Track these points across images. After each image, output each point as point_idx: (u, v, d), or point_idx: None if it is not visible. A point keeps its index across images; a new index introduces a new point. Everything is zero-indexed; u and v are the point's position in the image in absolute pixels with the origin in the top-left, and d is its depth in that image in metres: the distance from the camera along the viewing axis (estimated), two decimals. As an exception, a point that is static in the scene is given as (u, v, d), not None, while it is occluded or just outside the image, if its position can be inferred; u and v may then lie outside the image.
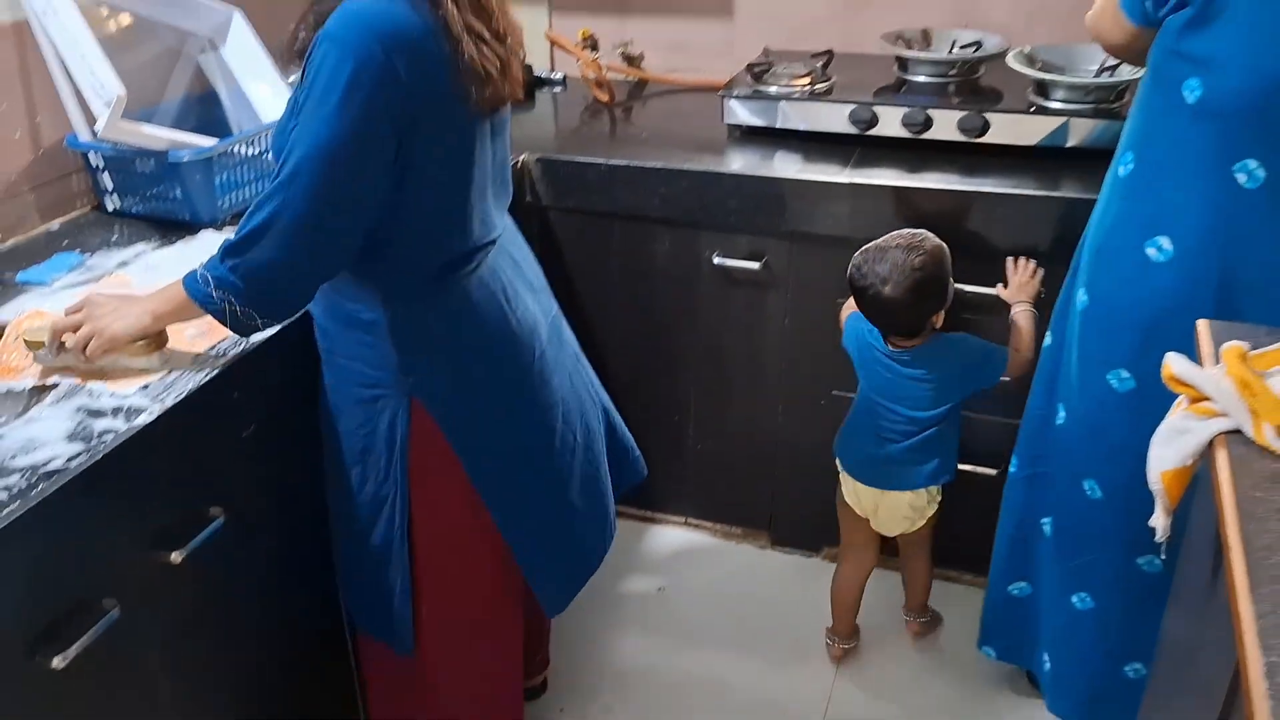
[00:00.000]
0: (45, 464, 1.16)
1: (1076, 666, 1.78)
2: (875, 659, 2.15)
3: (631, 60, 2.63)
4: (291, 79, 2.08)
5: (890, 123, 2.06)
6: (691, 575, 2.38)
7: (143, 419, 1.25)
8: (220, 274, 1.29)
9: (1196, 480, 1.18)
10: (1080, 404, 1.63)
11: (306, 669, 1.70)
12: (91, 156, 1.82)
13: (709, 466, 2.40)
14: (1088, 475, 1.65)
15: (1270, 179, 1.37)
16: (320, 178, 1.24)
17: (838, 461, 2.01)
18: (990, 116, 2.00)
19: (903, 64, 2.24)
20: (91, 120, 1.74)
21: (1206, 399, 1.09)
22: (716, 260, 2.12)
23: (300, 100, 1.26)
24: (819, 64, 2.22)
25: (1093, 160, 1.81)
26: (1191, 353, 1.20)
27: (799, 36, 2.49)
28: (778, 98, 2.14)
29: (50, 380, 1.35)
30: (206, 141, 1.79)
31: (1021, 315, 1.84)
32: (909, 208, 1.93)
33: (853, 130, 2.09)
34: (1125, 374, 1.55)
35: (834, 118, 2.10)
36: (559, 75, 2.70)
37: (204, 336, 1.44)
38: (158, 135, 1.75)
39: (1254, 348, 1.13)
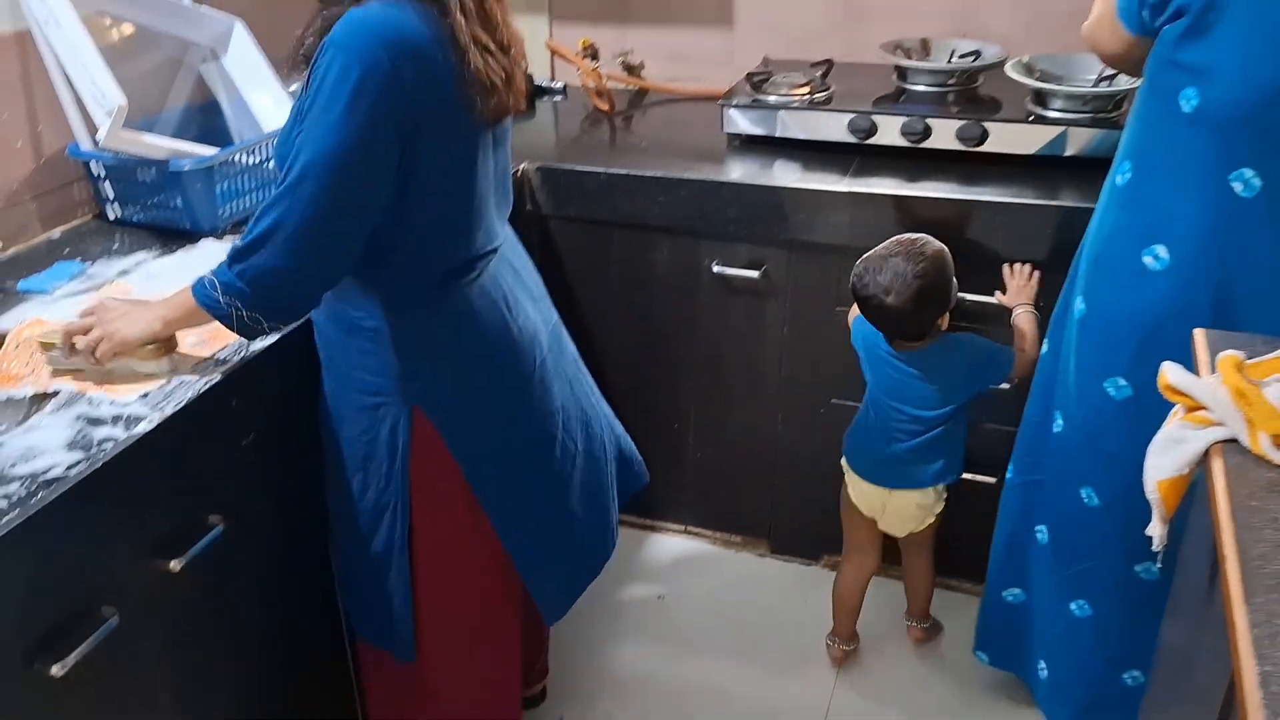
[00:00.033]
0: (45, 472, 1.17)
1: (1074, 674, 1.78)
2: (875, 667, 2.15)
3: (632, 69, 2.64)
4: (293, 88, 2.09)
5: (889, 132, 2.07)
6: (691, 583, 2.38)
7: (142, 427, 1.26)
8: (227, 279, 1.29)
9: (1194, 488, 1.18)
10: (1078, 412, 1.63)
11: (305, 676, 1.70)
12: (93, 165, 1.83)
13: (708, 475, 2.41)
14: (1085, 483, 1.65)
15: (1266, 188, 1.37)
16: (325, 183, 1.25)
17: (844, 462, 2.02)
18: (989, 125, 2.00)
19: (902, 73, 2.25)
20: (93, 129, 1.75)
21: (1203, 408, 1.09)
22: (716, 269, 2.12)
23: (305, 106, 1.27)
24: (818, 73, 2.23)
25: (1091, 169, 1.82)
26: (1188, 361, 1.21)
27: (798, 46, 2.50)
28: (777, 107, 2.14)
29: (51, 388, 1.35)
30: (207, 151, 1.79)
31: (1023, 317, 1.85)
32: (908, 216, 1.93)
33: (852, 139, 2.09)
34: (1122, 382, 1.55)
35: (833, 127, 2.11)
36: (559, 84, 2.71)
37: (204, 345, 1.44)
38: (159, 144, 1.76)
39: (1250, 357, 1.13)
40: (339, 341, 1.48)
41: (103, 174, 1.83)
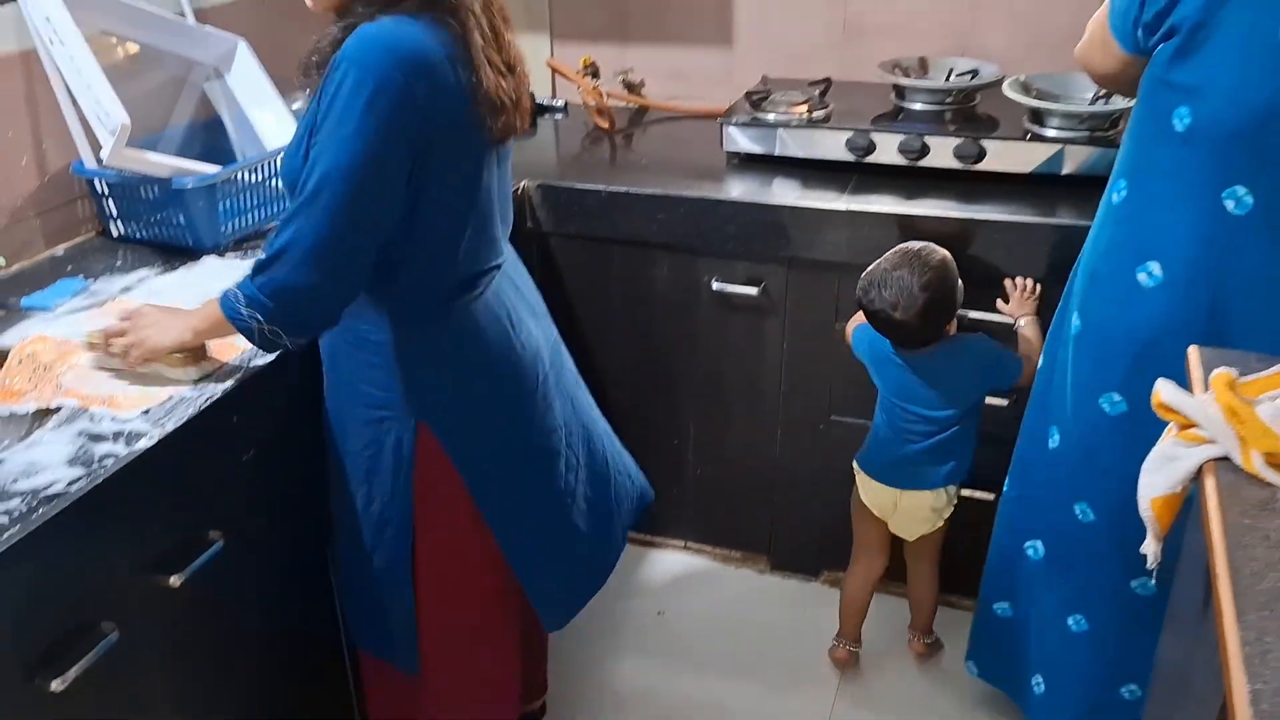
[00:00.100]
0: (46, 488, 1.17)
1: (1072, 688, 1.78)
2: (876, 681, 2.14)
3: (632, 88, 2.65)
4: (296, 106, 2.11)
5: (887, 150, 2.08)
6: (691, 599, 2.38)
7: (143, 443, 1.27)
8: (250, 292, 1.31)
9: (1189, 503, 1.18)
10: (1074, 427, 1.64)
11: (305, 690, 1.70)
12: (97, 183, 1.85)
13: (708, 491, 2.41)
14: (1081, 498, 1.66)
15: (1259, 205, 1.38)
16: (341, 197, 1.26)
17: (855, 464, 2.02)
18: (986, 144, 2.02)
19: (900, 92, 2.27)
20: (97, 147, 1.77)
21: (1196, 426, 1.10)
22: (715, 286, 2.13)
23: (318, 121, 1.28)
24: (817, 92, 2.24)
25: (1088, 187, 1.83)
26: (1182, 377, 1.21)
27: (797, 65, 2.52)
28: (776, 125, 2.16)
29: (53, 403, 1.36)
30: (210, 168, 1.81)
31: (1028, 326, 1.87)
32: (906, 234, 1.94)
33: (850, 157, 2.11)
34: (1117, 397, 1.56)
35: (832, 145, 2.12)
36: (560, 102, 2.72)
37: (216, 354, 1.45)
38: (162, 162, 1.77)
39: (1243, 374, 1.14)
40: (345, 355, 1.49)
41: (106, 191, 1.85)
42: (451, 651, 1.65)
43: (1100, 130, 1.98)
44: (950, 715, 2.06)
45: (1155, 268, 1.47)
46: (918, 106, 2.23)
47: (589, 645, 2.23)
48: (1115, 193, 1.55)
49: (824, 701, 2.11)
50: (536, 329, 1.60)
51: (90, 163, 1.83)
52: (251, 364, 1.46)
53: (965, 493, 2.00)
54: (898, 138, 2.07)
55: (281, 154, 1.90)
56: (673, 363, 2.29)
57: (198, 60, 2.05)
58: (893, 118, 2.21)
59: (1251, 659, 0.83)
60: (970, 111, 2.21)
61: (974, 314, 1.94)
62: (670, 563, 2.49)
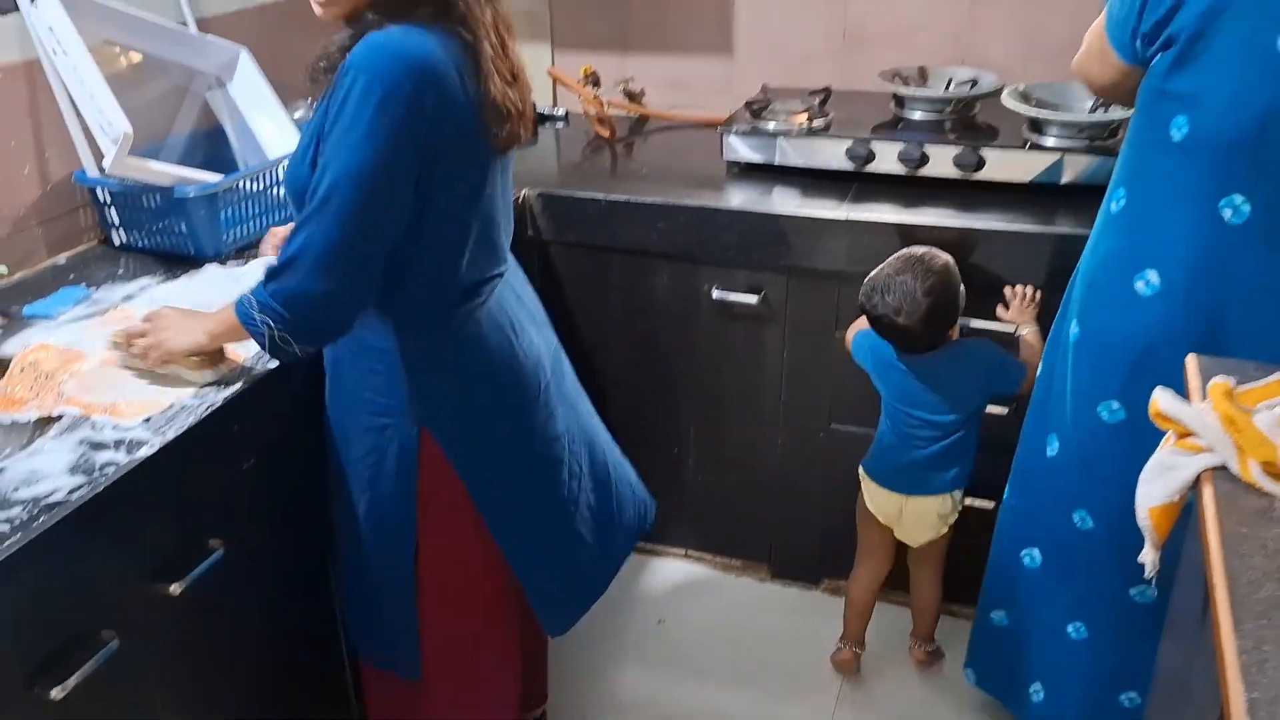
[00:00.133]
0: (47, 496, 1.18)
1: (1071, 696, 1.78)
2: (876, 690, 2.14)
3: (633, 96, 2.66)
4: (298, 115, 2.12)
5: (887, 158, 2.09)
6: (691, 608, 2.38)
7: (144, 451, 1.27)
8: (263, 298, 1.32)
9: (1188, 511, 1.18)
10: (1072, 435, 1.64)
11: (305, 698, 1.70)
12: (99, 192, 1.85)
13: (709, 499, 2.41)
14: (1079, 506, 1.66)
15: (1256, 214, 1.38)
16: (351, 204, 1.27)
17: (861, 470, 2.02)
18: (985, 153, 2.02)
19: (899, 101, 2.27)
20: (99, 156, 1.77)
21: (1194, 435, 1.10)
22: (715, 294, 2.14)
23: (326, 128, 1.29)
24: (817, 101, 2.25)
25: (1087, 196, 1.83)
26: (1181, 385, 1.22)
27: (797, 74, 2.52)
28: (776, 134, 2.16)
29: (55, 412, 1.36)
30: (212, 177, 1.81)
31: (1029, 334, 1.88)
32: (905, 243, 1.94)
33: (850, 166, 2.11)
34: (1116, 405, 1.56)
35: (831, 154, 2.13)
36: (561, 111, 2.74)
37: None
38: (164, 171, 1.78)
39: (1240, 382, 1.14)
40: (348, 362, 1.50)
41: (108, 200, 1.85)
42: (453, 658, 1.65)
43: (1099, 139, 1.99)
44: (951, 722, 2.06)
45: (1153, 276, 1.48)
46: (917, 116, 2.24)
47: (589, 654, 2.23)
48: (1114, 201, 1.56)
49: (825, 709, 2.10)
50: (538, 337, 1.60)
51: (93, 171, 1.83)
52: (252, 371, 1.46)
53: (966, 501, 2.00)
54: (897, 147, 2.07)
55: (284, 162, 1.93)
56: (673, 371, 2.29)
57: (200, 69, 2.06)
58: (892, 127, 2.22)
59: (1249, 668, 0.83)
60: (970, 121, 2.22)
61: (975, 322, 1.94)
62: (670, 571, 2.49)
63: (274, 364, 1.47)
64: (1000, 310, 1.92)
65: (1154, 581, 1.31)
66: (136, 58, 1.94)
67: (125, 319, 1.62)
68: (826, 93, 2.29)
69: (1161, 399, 1.14)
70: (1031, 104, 2.06)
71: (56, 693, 1.13)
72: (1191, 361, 1.25)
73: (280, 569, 1.59)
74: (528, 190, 2.16)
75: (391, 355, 1.45)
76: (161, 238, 1.84)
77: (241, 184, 1.85)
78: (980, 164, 2.02)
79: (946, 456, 1.90)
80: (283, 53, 2.20)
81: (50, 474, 1.22)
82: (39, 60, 1.75)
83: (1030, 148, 2.02)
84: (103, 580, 1.23)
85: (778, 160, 2.17)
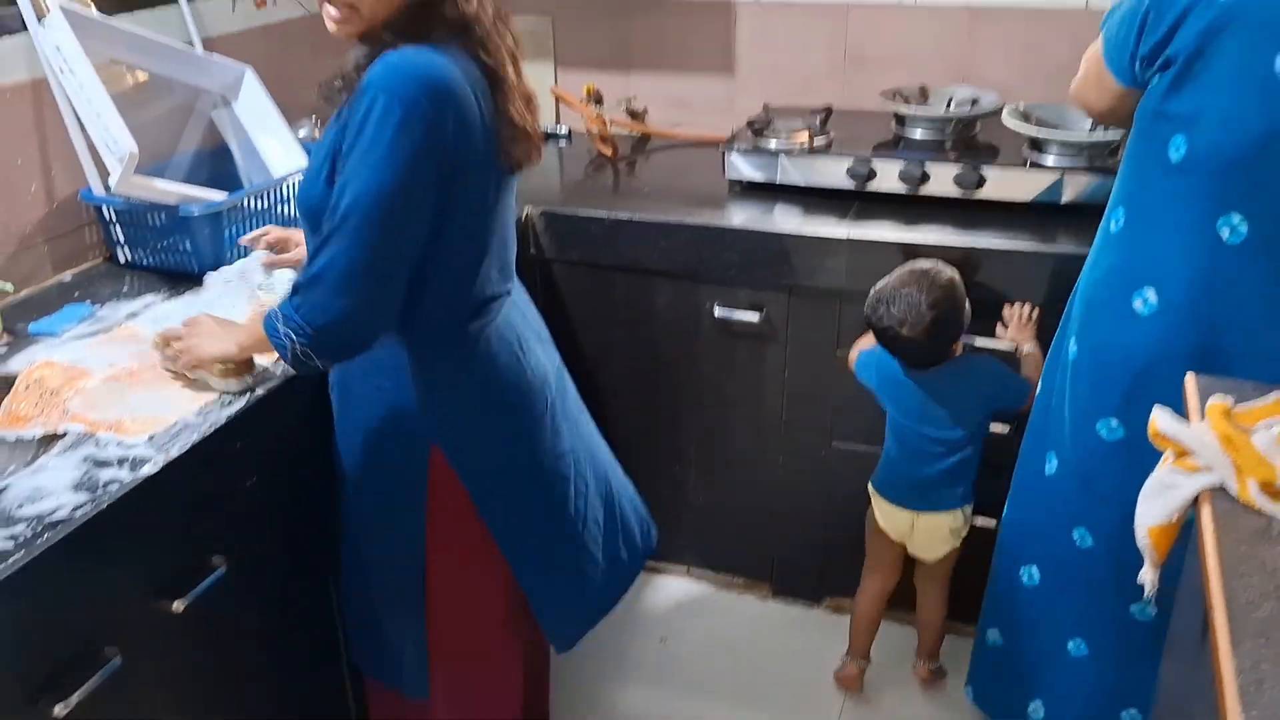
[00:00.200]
0: (51, 513, 1.18)
1: (1072, 713, 1.78)
2: (879, 708, 2.14)
3: (635, 115, 2.68)
4: (302, 133, 2.13)
5: (888, 177, 2.10)
6: (693, 626, 2.38)
7: (147, 469, 1.28)
8: (288, 312, 1.33)
9: (1189, 530, 1.19)
10: (1072, 453, 1.64)
11: (307, 714, 1.70)
12: (104, 210, 1.86)
13: (711, 517, 2.41)
14: (1079, 524, 1.66)
15: (1253, 233, 1.39)
16: (373, 224, 1.28)
17: (870, 487, 2.02)
18: (986, 171, 2.03)
19: (900, 120, 2.28)
20: (105, 174, 1.79)
21: (1192, 454, 1.11)
22: (717, 312, 2.14)
23: (344, 148, 1.29)
24: (818, 120, 2.26)
25: (1087, 215, 1.83)
26: (1179, 403, 1.22)
27: (799, 93, 2.54)
28: (777, 152, 2.17)
29: (60, 429, 1.37)
30: (217, 195, 1.83)
31: (1031, 351, 1.88)
32: (906, 261, 1.95)
33: (851, 185, 2.12)
34: (1115, 423, 1.56)
35: (833, 172, 2.14)
36: (564, 129, 2.75)
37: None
38: (169, 190, 1.79)
39: (1239, 401, 1.14)
40: (357, 378, 1.50)
41: (114, 218, 1.87)
42: (459, 675, 1.65)
43: (1099, 159, 2.00)
44: (953, 742, 2.06)
45: (1151, 294, 1.48)
46: (918, 134, 2.25)
47: (592, 673, 2.23)
48: (1113, 220, 1.56)
49: (826, 728, 2.10)
50: (543, 355, 1.61)
51: (98, 190, 1.85)
52: (255, 391, 1.47)
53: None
54: (898, 165, 2.08)
55: (289, 180, 1.94)
56: (675, 388, 2.29)
57: (205, 88, 2.07)
58: (893, 145, 2.23)
59: (1246, 688, 0.83)
60: (970, 140, 2.23)
61: (978, 341, 1.94)
62: (672, 589, 2.49)
63: (275, 384, 1.48)
64: (1000, 330, 1.92)
65: (1154, 599, 1.31)
66: (142, 77, 1.96)
67: (130, 337, 1.63)
68: (828, 112, 2.31)
69: (1160, 419, 1.14)
70: (1032, 123, 2.07)
71: (59, 709, 1.13)
72: (1190, 381, 1.25)
73: (282, 586, 1.59)
74: (530, 208, 2.17)
75: (403, 372, 1.46)
76: (166, 255, 1.86)
77: (246, 202, 1.86)
78: (981, 183, 2.03)
79: (956, 472, 1.90)
80: (287, 72, 2.22)
81: (54, 491, 1.23)
82: (46, 79, 1.77)
83: (1031, 167, 2.03)
84: (105, 597, 1.23)
85: (779, 179, 2.19)
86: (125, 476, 1.26)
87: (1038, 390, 1.77)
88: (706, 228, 2.08)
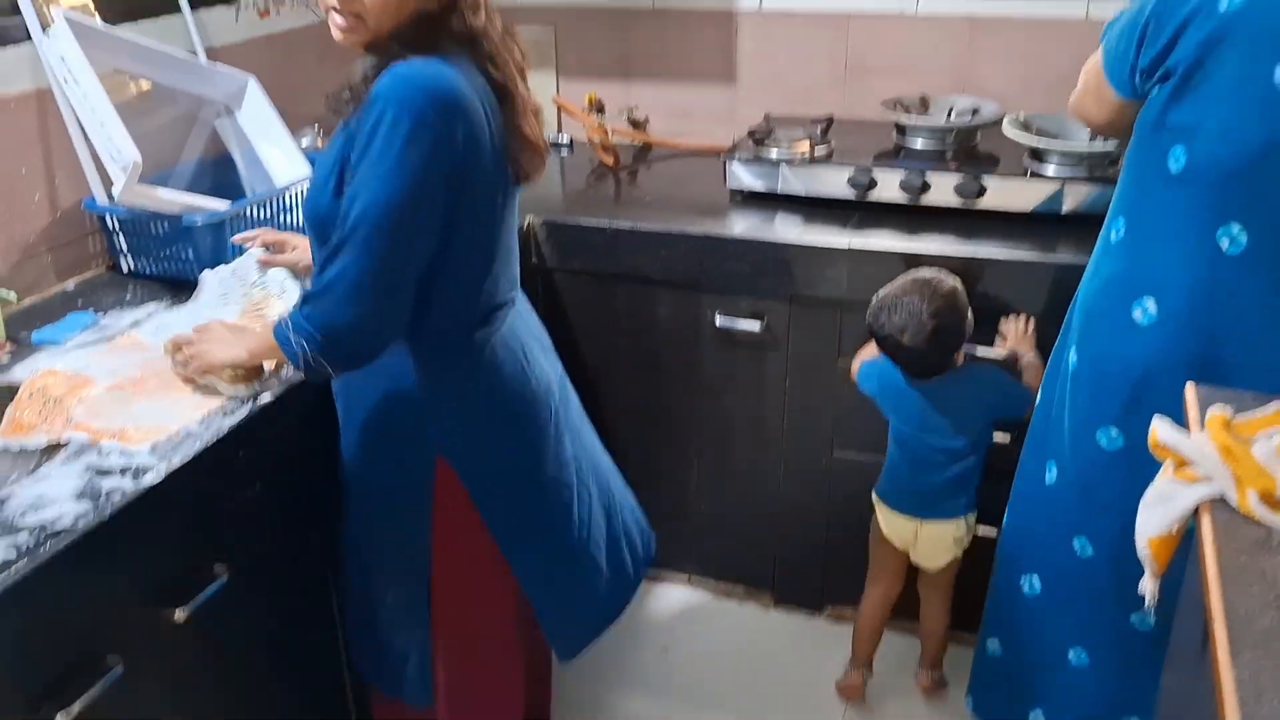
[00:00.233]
0: (53, 522, 1.19)
1: (1073, 721, 1.78)
2: (881, 718, 2.14)
3: (636, 124, 2.68)
4: (305, 142, 2.14)
5: (889, 187, 2.10)
6: (694, 635, 2.38)
7: (150, 478, 1.28)
8: (298, 321, 1.34)
9: (1189, 540, 1.19)
10: (1071, 463, 1.65)
11: (308, 725, 1.71)
12: (108, 219, 1.87)
13: (712, 525, 2.41)
14: (1079, 533, 1.66)
15: (1252, 244, 1.39)
16: (383, 234, 1.29)
17: (874, 495, 2.03)
18: (987, 181, 2.03)
19: (901, 130, 2.29)
20: (109, 184, 1.79)
21: (1192, 464, 1.11)
22: (718, 321, 2.15)
23: (353, 159, 1.30)
24: (819, 129, 2.26)
25: (1088, 225, 1.84)
26: (1179, 413, 1.22)
27: (800, 103, 2.55)
28: (779, 162, 2.18)
29: (63, 438, 1.37)
30: (219, 205, 1.83)
31: (1032, 361, 1.89)
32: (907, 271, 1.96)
33: (852, 194, 2.13)
34: (1115, 432, 1.57)
35: (833, 182, 2.14)
36: (565, 139, 2.76)
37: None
38: (172, 199, 1.79)
39: (1239, 412, 1.15)
40: (363, 388, 1.51)
41: (117, 227, 1.87)
42: (463, 685, 1.65)
43: (1100, 169, 2.00)
44: (954, 752, 2.05)
45: (1151, 304, 1.49)
46: (919, 144, 2.25)
47: (593, 683, 2.23)
48: (1114, 230, 1.57)
49: (827, 738, 2.10)
50: (546, 364, 1.62)
51: (102, 199, 1.85)
52: (257, 400, 1.47)
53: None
54: (899, 175, 2.09)
55: (291, 189, 1.95)
56: (676, 398, 2.30)
57: (208, 98, 2.08)
58: (894, 155, 2.23)
59: (1246, 700, 0.83)
60: (971, 149, 2.23)
61: (979, 350, 1.95)
62: (674, 598, 2.49)
63: (278, 392, 1.49)
64: (999, 342, 1.93)
65: (1152, 611, 1.31)
66: (146, 86, 1.96)
67: (133, 345, 1.64)
68: (829, 121, 2.31)
69: (1160, 429, 1.14)
70: (1032, 133, 2.08)
71: (61, 717, 1.13)
72: (1190, 391, 1.26)
73: (284, 594, 1.60)
74: (532, 218, 2.18)
75: (408, 382, 1.46)
76: (169, 264, 1.86)
77: (248, 211, 1.87)
78: (981, 192, 2.04)
79: (959, 481, 1.91)
80: (290, 81, 2.22)
81: (57, 500, 1.23)
82: (50, 89, 1.78)
83: (1031, 176, 2.03)
84: (107, 605, 1.24)
85: (780, 188, 2.19)
86: (128, 485, 1.26)
87: (1038, 399, 1.77)
88: (708, 237, 2.09)
